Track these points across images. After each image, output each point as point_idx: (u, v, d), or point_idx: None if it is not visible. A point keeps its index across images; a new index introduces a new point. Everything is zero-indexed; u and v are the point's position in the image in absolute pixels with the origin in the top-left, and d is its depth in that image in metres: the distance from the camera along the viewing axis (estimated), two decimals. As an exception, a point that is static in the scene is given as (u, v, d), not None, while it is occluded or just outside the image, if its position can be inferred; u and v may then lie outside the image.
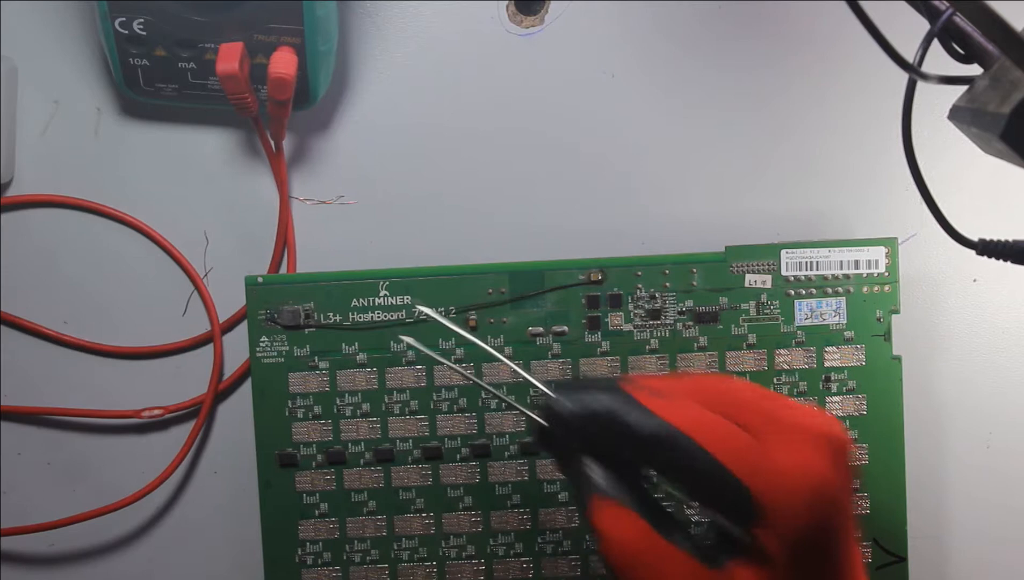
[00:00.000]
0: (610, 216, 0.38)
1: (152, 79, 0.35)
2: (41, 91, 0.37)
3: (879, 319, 0.36)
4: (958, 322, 0.38)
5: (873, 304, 0.36)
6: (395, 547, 0.36)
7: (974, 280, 0.38)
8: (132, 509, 0.37)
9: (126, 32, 0.34)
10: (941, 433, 0.38)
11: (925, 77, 0.25)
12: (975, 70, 0.26)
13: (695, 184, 0.38)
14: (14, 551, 0.38)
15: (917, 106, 0.27)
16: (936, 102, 0.29)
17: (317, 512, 0.36)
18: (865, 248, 0.36)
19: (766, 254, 0.36)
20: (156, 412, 0.37)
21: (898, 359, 0.36)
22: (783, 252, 0.36)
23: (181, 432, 0.38)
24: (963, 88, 0.26)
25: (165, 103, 0.36)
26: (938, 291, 0.38)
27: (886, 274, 0.36)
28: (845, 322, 0.36)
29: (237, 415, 0.38)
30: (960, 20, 0.26)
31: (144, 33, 0.34)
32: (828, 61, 0.38)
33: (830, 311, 0.36)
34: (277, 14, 0.33)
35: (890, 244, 0.36)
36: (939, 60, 0.26)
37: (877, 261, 0.35)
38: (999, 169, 0.30)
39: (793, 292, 0.36)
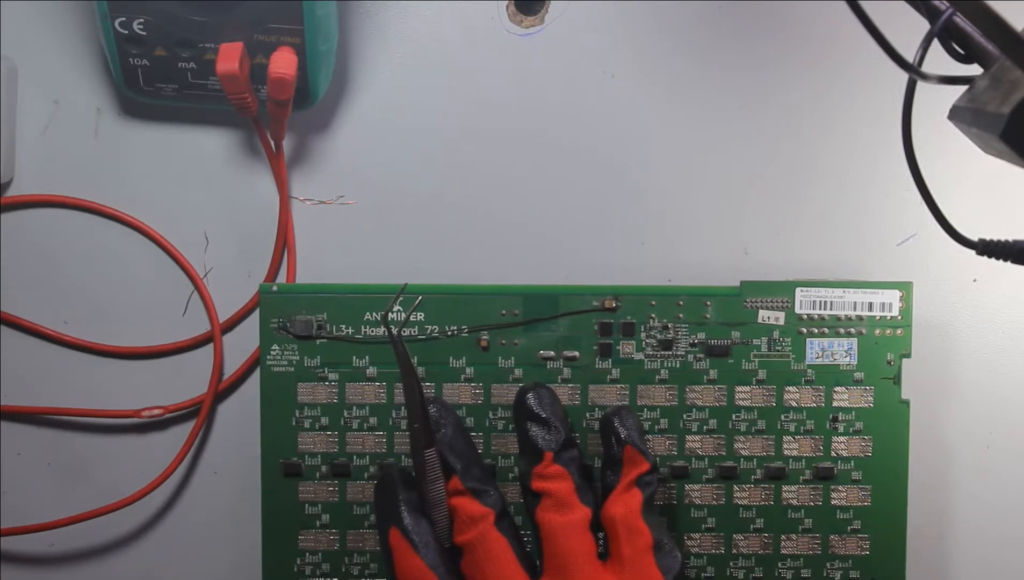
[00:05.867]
0: (610, 215, 0.38)
1: (152, 79, 0.35)
2: (41, 91, 0.37)
3: (890, 362, 0.36)
4: (958, 322, 0.38)
5: (885, 347, 0.36)
6: None
7: (974, 280, 0.38)
8: (132, 509, 0.37)
9: (126, 32, 0.34)
10: (941, 433, 0.38)
11: (925, 77, 0.25)
12: (975, 70, 0.26)
13: (698, 186, 0.38)
14: (14, 551, 0.38)
15: (917, 106, 0.27)
16: (936, 102, 0.29)
17: (318, 523, 0.36)
18: (879, 290, 0.35)
19: (781, 291, 0.36)
20: (156, 412, 0.37)
21: (906, 403, 0.36)
22: (798, 290, 0.36)
23: (181, 432, 0.38)
24: (963, 88, 0.26)
25: (165, 103, 0.36)
26: (938, 291, 0.38)
27: (899, 318, 0.35)
28: (855, 363, 0.36)
29: (237, 415, 0.38)
30: (960, 20, 0.26)
31: (144, 33, 0.34)
32: (828, 61, 0.38)
33: (841, 351, 0.36)
34: (277, 14, 0.33)
35: (905, 288, 0.35)
36: (939, 60, 0.26)
37: (891, 304, 0.35)
38: (999, 169, 0.30)
39: (805, 330, 0.36)
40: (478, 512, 0.32)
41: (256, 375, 0.38)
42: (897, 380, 0.36)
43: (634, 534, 0.32)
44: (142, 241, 0.38)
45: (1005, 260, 0.28)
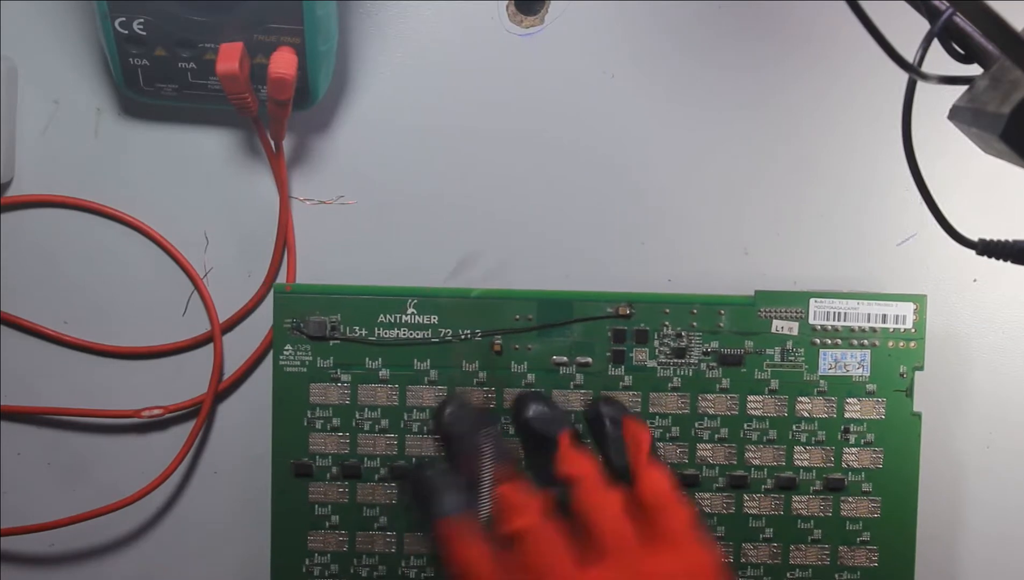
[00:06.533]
0: (610, 215, 0.38)
1: (152, 79, 0.35)
2: (41, 91, 0.37)
3: (902, 375, 0.36)
4: (958, 322, 0.38)
5: (898, 359, 0.36)
6: (403, 564, 0.36)
7: (974, 280, 0.38)
8: (132, 509, 0.37)
9: (126, 32, 0.34)
10: (944, 434, 0.38)
11: (925, 77, 0.25)
12: (975, 70, 0.26)
13: (698, 186, 0.38)
14: (14, 551, 0.38)
15: (917, 106, 0.27)
16: (936, 102, 0.29)
17: (328, 524, 0.36)
18: (894, 303, 0.35)
19: (795, 301, 0.36)
20: (156, 412, 0.37)
21: (918, 416, 0.36)
22: (812, 301, 0.36)
23: (181, 432, 0.38)
24: (963, 88, 0.26)
25: (165, 103, 0.36)
26: (938, 291, 0.38)
27: (913, 330, 0.35)
28: (868, 374, 0.36)
29: (237, 415, 0.38)
30: (960, 20, 0.26)
31: (144, 33, 0.34)
32: (828, 61, 0.38)
33: (854, 363, 0.36)
34: (277, 14, 0.33)
35: (919, 301, 0.35)
36: (939, 60, 0.26)
37: (905, 317, 0.35)
38: (999, 169, 0.30)
39: (819, 341, 0.36)
40: (528, 501, 0.32)
41: (256, 375, 0.38)
42: (909, 393, 0.36)
43: (676, 508, 0.31)
44: (142, 241, 0.38)
45: (1005, 260, 0.28)
